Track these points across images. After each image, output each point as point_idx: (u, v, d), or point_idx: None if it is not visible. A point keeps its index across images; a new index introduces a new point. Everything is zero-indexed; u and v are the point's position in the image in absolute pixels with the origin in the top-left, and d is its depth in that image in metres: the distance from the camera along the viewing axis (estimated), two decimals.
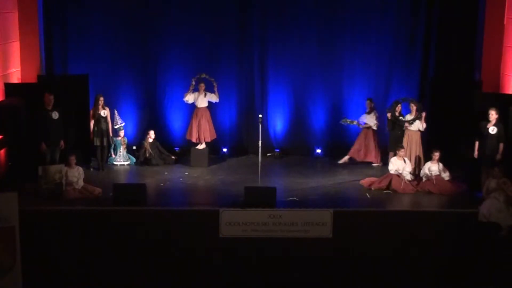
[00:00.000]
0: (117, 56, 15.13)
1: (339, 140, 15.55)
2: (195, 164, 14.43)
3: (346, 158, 14.67)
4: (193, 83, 14.28)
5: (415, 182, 13.00)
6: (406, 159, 13.11)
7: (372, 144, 14.55)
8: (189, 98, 14.38)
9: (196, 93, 14.34)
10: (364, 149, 14.57)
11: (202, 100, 14.35)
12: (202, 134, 14.41)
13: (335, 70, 15.34)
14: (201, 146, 14.52)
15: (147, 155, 14.52)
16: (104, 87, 14.94)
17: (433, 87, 14.70)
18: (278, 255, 11.32)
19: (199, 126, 14.37)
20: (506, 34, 13.95)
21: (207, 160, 14.54)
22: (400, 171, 12.89)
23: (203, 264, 11.25)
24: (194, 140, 14.47)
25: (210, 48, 15.21)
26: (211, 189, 13.14)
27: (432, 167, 12.91)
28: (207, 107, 14.47)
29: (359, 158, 14.62)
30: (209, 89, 14.39)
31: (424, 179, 12.93)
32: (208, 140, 14.52)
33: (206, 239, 11.30)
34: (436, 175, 12.79)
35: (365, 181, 13.16)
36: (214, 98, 14.42)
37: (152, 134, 14.69)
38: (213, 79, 14.33)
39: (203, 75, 14.29)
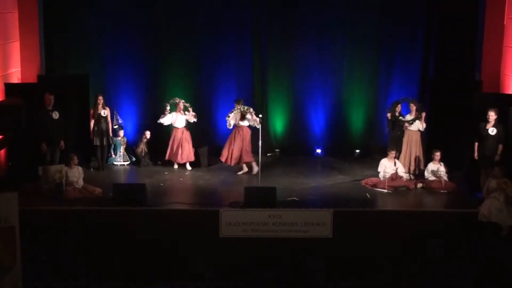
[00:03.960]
0: (117, 56, 15.13)
1: (339, 140, 15.57)
2: (195, 164, 14.42)
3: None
4: (168, 107, 14.08)
5: (416, 182, 13.04)
6: (396, 161, 13.10)
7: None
8: (165, 120, 14.17)
9: (174, 114, 14.15)
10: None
11: (180, 120, 14.16)
12: (185, 155, 14.15)
13: (335, 70, 15.34)
14: (176, 166, 14.29)
15: (144, 155, 14.53)
16: (104, 87, 14.95)
17: (433, 87, 14.70)
18: (278, 255, 11.31)
19: (178, 147, 14.14)
20: (506, 34, 13.95)
21: (207, 160, 14.53)
22: (388, 173, 12.89)
23: (203, 264, 11.25)
24: (169, 158, 14.25)
25: (210, 48, 15.20)
26: (211, 189, 13.14)
27: (435, 167, 12.92)
28: (185, 126, 14.28)
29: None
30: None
31: (430, 178, 12.93)
32: (192, 159, 14.25)
33: (206, 239, 11.29)
34: (445, 180, 12.86)
35: (367, 182, 13.17)
36: (191, 118, 14.16)
37: (148, 134, 14.69)
38: (188, 104, 14.16)
39: (177, 100, 14.12)
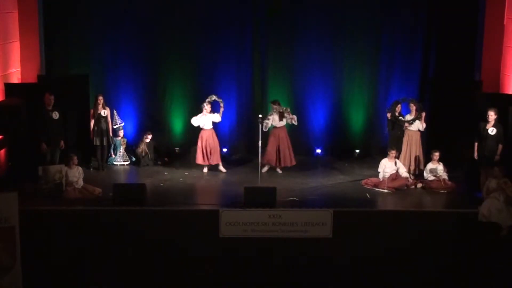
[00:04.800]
0: (117, 56, 15.13)
1: (339, 140, 15.58)
2: (195, 164, 14.42)
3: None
4: (205, 107, 13.84)
5: (416, 182, 13.04)
6: (397, 161, 13.09)
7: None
8: (198, 121, 13.92)
9: (203, 116, 13.91)
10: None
11: (209, 121, 13.95)
12: (212, 156, 13.94)
13: (335, 70, 15.33)
14: (206, 169, 14.08)
15: (144, 155, 14.54)
16: (104, 87, 14.95)
17: (433, 87, 14.70)
18: (278, 255, 11.32)
19: (207, 148, 13.90)
20: (506, 34, 13.96)
21: None
22: (388, 173, 12.88)
23: (203, 264, 11.25)
24: (202, 162, 13.95)
25: (210, 48, 15.19)
26: (211, 189, 13.14)
27: (434, 167, 12.92)
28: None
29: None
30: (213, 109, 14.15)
31: (429, 178, 12.92)
32: (219, 162, 14.09)
33: (206, 239, 11.30)
34: (444, 178, 12.83)
35: (368, 182, 13.17)
36: (217, 118, 13.98)
37: (149, 136, 14.67)
38: (221, 100, 14.00)
39: (214, 98, 13.95)
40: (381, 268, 11.27)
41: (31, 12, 14.27)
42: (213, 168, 14.14)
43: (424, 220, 11.55)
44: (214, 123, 14.08)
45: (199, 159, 13.97)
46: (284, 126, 13.93)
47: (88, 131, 14.27)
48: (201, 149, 13.93)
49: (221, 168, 14.10)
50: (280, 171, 14.03)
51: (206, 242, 11.29)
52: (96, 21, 14.87)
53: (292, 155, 14.01)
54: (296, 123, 13.93)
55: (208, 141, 13.92)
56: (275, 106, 13.80)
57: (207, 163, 13.98)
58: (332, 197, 12.45)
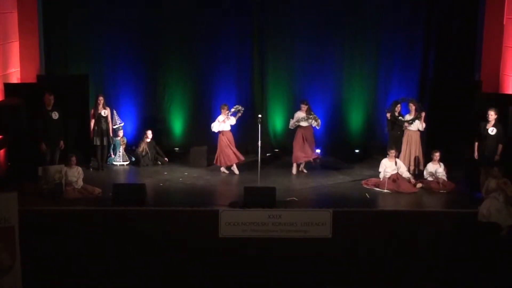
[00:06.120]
0: (117, 56, 15.13)
1: (339, 140, 15.58)
2: (194, 164, 14.43)
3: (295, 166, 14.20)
4: (228, 115, 13.85)
5: (416, 182, 13.03)
6: (397, 160, 13.09)
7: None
8: (219, 126, 13.89)
9: (227, 121, 13.88)
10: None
11: (228, 124, 13.93)
12: (237, 155, 13.97)
13: (335, 70, 15.35)
14: (236, 171, 14.04)
15: (144, 154, 14.53)
16: (104, 87, 14.95)
17: (433, 87, 14.70)
18: (278, 255, 11.32)
19: (232, 147, 13.90)
20: (506, 34, 13.97)
21: (207, 160, 14.53)
22: (388, 173, 12.88)
23: (203, 264, 11.25)
24: (236, 161, 13.93)
25: (210, 48, 15.20)
26: (211, 189, 13.14)
27: (434, 168, 12.91)
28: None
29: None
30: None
31: (429, 178, 12.91)
32: (242, 159, 14.12)
33: (206, 239, 11.30)
34: (443, 180, 12.81)
35: (368, 182, 13.16)
36: (233, 122, 13.99)
37: (149, 134, 14.67)
38: (242, 108, 14.02)
39: (239, 108, 13.93)
40: (381, 268, 11.27)
41: (30, 12, 14.27)
42: (215, 168, 14.15)
43: (424, 220, 11.55)
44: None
45: (233, 159, 13.91)
46: (310, 125, 13.98)
47: (88, 131, 14.26)
48: (230, 148, 13.88)
49: (236, 170, 14.08)
50: (305, 171, 14.09)
51: (206, 242, 11.28)
52: (96, 21, 14.87)
53: (314, 150, 14.14)
54: (318, 127, 14.08)
55: (231, 141, 13.92)
56: (305, 107, 13.86)
57: (241, 160, 14.00)
58: (332, 197, 12.46)
